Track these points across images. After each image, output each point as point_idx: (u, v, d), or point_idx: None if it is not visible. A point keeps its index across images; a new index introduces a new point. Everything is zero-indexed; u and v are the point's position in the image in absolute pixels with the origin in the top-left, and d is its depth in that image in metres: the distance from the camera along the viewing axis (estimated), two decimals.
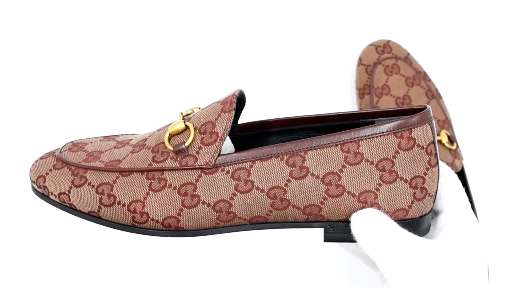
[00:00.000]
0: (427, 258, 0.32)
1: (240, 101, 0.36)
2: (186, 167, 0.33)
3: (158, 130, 0.36)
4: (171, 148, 0.34)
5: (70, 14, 0.63)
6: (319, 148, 0.33)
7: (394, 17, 0.62)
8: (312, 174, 0.33)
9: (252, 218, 0.34)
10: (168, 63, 0.62)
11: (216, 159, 0.33)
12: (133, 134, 0.39)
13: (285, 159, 0.33)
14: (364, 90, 0.59)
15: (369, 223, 0.33)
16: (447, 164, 0.53)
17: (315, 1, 0.63)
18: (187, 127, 0.34)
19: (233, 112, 0.33)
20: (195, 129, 0.34)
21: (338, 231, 0.34)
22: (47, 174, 0.36)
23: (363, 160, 0.33)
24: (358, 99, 0.59)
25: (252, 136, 0.39)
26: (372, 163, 0.33)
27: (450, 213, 0.35)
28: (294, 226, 0.35)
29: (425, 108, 0.35)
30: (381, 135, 0.33)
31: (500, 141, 0.60)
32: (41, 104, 0.61)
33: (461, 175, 0.56)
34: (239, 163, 0.33)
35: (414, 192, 0.33)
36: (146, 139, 0.36)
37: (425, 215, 0.34)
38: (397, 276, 0.32)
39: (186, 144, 0.33)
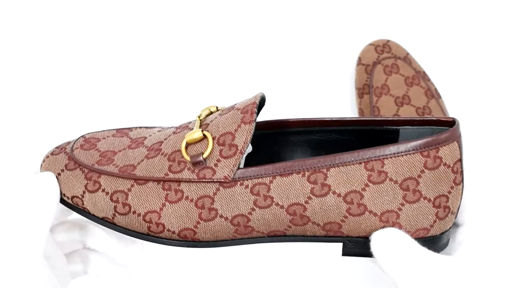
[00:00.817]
0: (444, 276, 0.32)
1: (260, 103, 0.35)
2: (204, 180, 0.33)
3: (174, 132, 0.35)
4: (188, 158, 0.33)
5: (83, 9, 0.63)
6: (342, 166, 0.32)
7: (393, 16, 0.62)
8: (334, 192, 0.32)
9: (270, 232, 0.33)
10: (174, 62, 0.62)
11: (235, 173, 0.32)
12: (147, 128, 0.38)
13: (306, 175, 0.32)
14: (363, 89, 0.59)
15: (389, 243, 0.33)
16: None
17: (314, 1, 0.63)
18: (205, 136, 0.33)
19: (254, 124, 0.32)
20: (213, 139, 0.33)
21: (357, 246, 0.34)
22: (59, 174, 0.35)
23: (387, 179, 0.32)
24: (357, 98, 0.59)
25: (271, 135, 0.38)
26: (396, 182, 0.32)
27: (470, 228, 0.34)
28: (313, 240, 0.34)
29: (454, 123, 0.33)
30: (406, 153, 0.32)
31: (500, 141, 0.60)
32: (51, 98, 0.60)
33: None
34: (259, 177, 0.32)
35: (437, 212, 0.33)
36: (161, 142, 0.34)
37: (445, 231, 0.34)
38: None
39: (204, 155, 0.32)
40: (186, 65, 0.63)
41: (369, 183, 0.32)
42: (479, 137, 0.60)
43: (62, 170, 0.35)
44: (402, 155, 0.32)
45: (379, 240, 0.33)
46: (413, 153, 0.31)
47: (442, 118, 0.34)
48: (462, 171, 0.32)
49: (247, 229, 0.33)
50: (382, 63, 0.59)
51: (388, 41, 0.59)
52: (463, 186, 0.33)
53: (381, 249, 0.33)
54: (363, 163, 0.32)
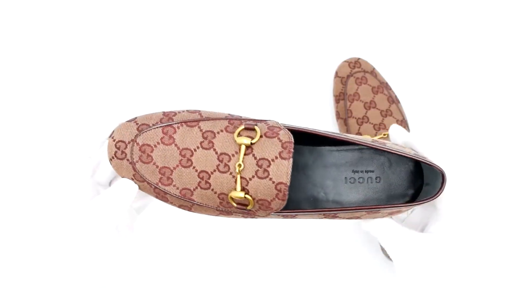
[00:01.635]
0: (422, 247, 0.34)
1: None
2: (247, 215, 0.36)
3: (218, 169, 0.34)
4: (234, 205, 0.34)
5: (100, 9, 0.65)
6: (349, 212, 0.35)
7: (363, 39, 0.66)
8: (340, 217, 0.36)
9: None
10: (163, 63, 0.65)
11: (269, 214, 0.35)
12: (188, 126, 0.35)
13: (322, 214, 0.35)
14: (339, 96, 0.62)
15: (384, 227, 0.36)
16: None
17: (303, 29, 0.66)
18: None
19: (285, 202, 0.33)
20: (253, 199, 0.34)
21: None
22: (132, 179, 0.36)
23: (380, 213, 0.35)
24: (335, 103, 0.62)
25: (303, 133, 0.36)
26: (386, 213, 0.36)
27: (446, 212, 0.35)
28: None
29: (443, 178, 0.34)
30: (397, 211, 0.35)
31: (445, 136, 0.63)
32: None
33: None
34: (286, 213, 0.36)
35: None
36: (209, 175, 0.34)
37: None
38: (401, 261, 0.35)
39: (248, 208, 0.34)
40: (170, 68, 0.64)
41: (365, 213, 0.36)
42: (428, 131, 0.62)
43: (132, 179, 0.36)
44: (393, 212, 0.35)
45: (372, 226, 0.36)
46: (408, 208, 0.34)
47: (436, 166, 0.35)
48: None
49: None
50: (354, 76, 0.61)
51: (359, 58, 0.63)
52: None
53: (376, 229, 0.36)
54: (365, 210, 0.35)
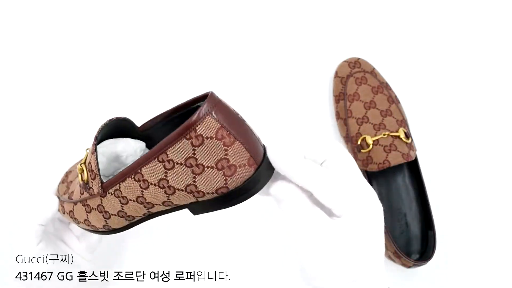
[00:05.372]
0: (327, 233, 0.34)
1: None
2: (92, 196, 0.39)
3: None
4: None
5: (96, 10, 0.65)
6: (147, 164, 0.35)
7: (363, 39, 0.67)
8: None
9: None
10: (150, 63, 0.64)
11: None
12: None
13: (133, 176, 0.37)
14: (339, 96, 0.62)
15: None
16: (404, 154, 0.56)
17: (303, 29, 0.67)
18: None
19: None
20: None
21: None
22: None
23: (175, 164, 0.33)
24: (335, 103, 0.63)
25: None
26: (182, 164, 0.33)
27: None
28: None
29: (205, 99, 0.33)
30: (176, 141, 0.32)
31: (445, 136, 0.63)
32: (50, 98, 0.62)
33: (415, 162, 0.60)
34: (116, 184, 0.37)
35: (224, 172, 0.33)
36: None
37: (247, 179, 0.34)
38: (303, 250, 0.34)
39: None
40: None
41: (166, 170, 0.34)
42: (428, 132, 0.63)
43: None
44: (174, 145, 0.33)
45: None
46: (180, 140, 0.32)
47: (197, 97, 0.36)
48: (229, 134, 0.33)
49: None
50: (354, 76, 0.62)
51: (358, 58, 0.63)
52: (238, 144, 0.33)
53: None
54: (155, 159, 0.34)
